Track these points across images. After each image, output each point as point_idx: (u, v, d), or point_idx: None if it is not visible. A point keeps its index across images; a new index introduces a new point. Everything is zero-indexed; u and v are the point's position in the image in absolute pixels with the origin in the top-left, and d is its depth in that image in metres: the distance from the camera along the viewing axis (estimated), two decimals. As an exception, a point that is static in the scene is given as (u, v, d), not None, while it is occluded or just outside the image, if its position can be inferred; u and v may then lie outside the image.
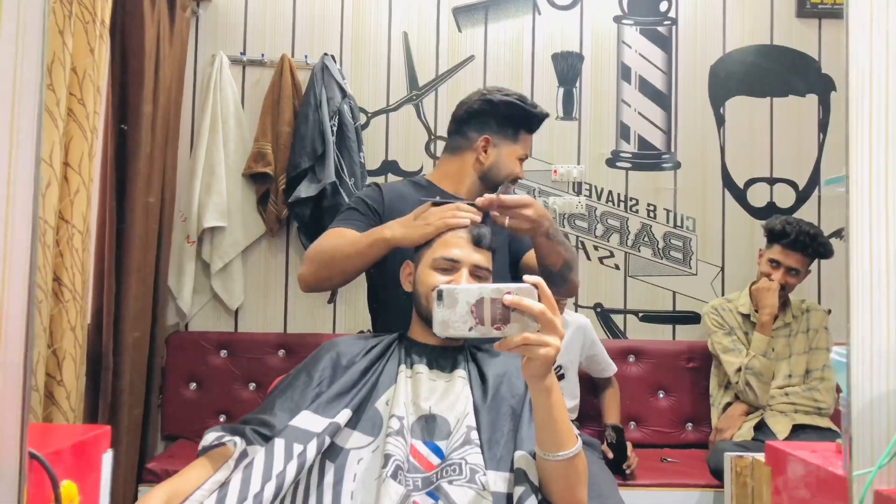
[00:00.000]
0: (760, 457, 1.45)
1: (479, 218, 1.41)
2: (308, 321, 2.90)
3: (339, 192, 2.76)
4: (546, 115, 1.76)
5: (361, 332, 2.80)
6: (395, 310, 1.59)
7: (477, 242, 1.36)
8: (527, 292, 0.96)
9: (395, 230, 1.47)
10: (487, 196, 1.43)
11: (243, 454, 1.17)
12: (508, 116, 1.70)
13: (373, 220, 1.65)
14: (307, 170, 2.77)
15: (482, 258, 1.36)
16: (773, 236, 2.54)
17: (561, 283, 1.64)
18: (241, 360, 2.81)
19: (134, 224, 2.38)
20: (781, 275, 2.50)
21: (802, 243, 2.46)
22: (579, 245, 2.99)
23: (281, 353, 2.84)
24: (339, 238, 1.57)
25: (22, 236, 0.83)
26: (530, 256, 1.68)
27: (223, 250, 2.83)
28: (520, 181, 1.80)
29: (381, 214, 1.67)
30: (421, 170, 2.95)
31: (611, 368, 2.65)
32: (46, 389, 1.81)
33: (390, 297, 1.60)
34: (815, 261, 2.89)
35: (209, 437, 1.21)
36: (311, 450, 1.15)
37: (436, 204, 1.46)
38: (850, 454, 0.95)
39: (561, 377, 2.48)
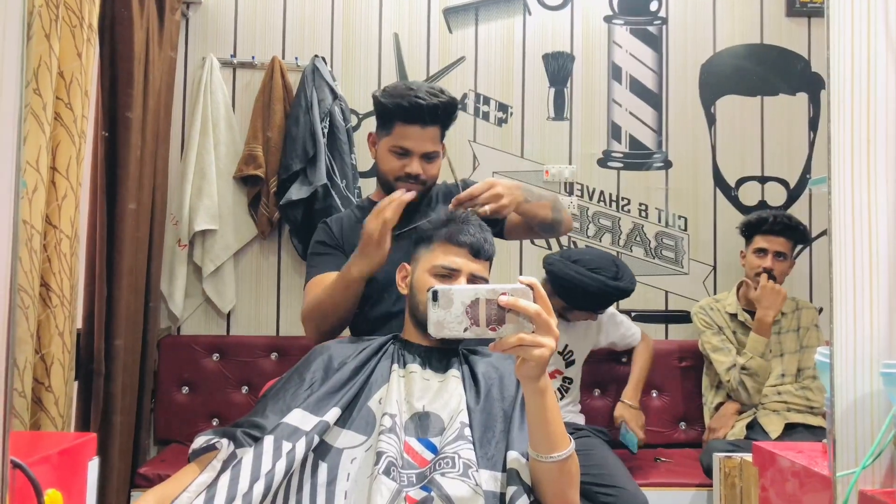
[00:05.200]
0: (749, 457, 1.45)
1: (409, 195, 1.53)
2: (299, 325, 2.82)
3: (330, 195, 2.76)
4: (434, 105, 1.65)
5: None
6: (376, 314, 1.66)
7: (476, 253, 1.38)
8: (522, 293, 0.97)
9: (356, 264, 1.54)
10: (454, 200, 1.56)
11: (232, 456, 1.17)
12: (383, 108, 1.70)
13: (341, 251, 1.74)
14: (298, 172, 2.77)
15: (480, 268, 1.38)
16: (751, 229, 2.59)
17: (556, 226, 1.79)
18: (234, 364, 2.81)
19: (124, 228, 2.38)
20: (770, 260, 2.52)
21: (782, 225, 2.53)
22: (572, 245, 3.00)
23: (273, 356, 2.84)
24: (322, 290, 1.63)
25: (2, 241, 0.82)
26: (512, 217, 1.76)
27: (215, 253, 2.83)
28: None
29: (342, 247, 1.75)
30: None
31: (629, 335, 2.63)
32: (34, 395, 1.80)
33: (372, 301, 1.67)
34: (807, 259, 2.91)
35: (199, 441, 1.21)
36: (301, 447, 1.16)
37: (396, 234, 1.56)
38: (833, 455, 0.95)
39: (570, 363, 2.48)
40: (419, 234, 1.46)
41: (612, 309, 2.55)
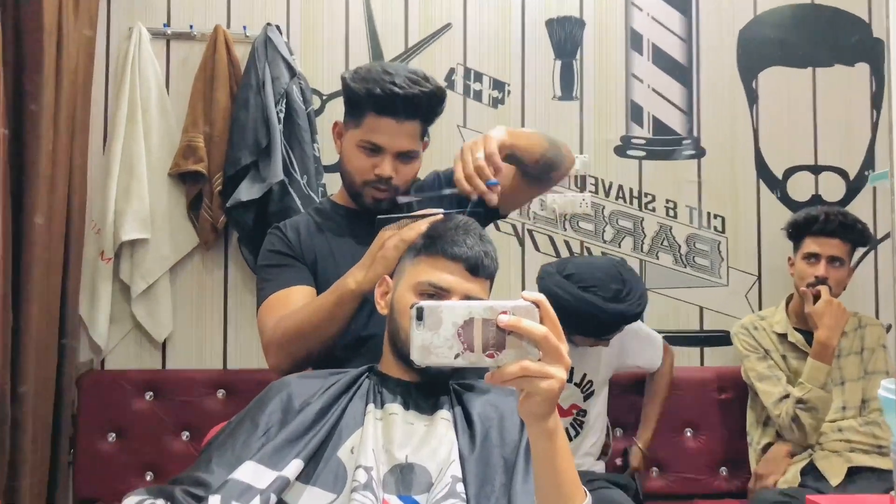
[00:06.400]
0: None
1: (439, 216, 1.47)
2: (253, 354, 2.88)
3: (288, 193, 2.77)
4: (414, 95, 1.66)
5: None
6: (344, 339, 1.65)
7: (473, 270, 1.38)
8: (526, 312, 0.97)
9: (357, 276, 1.55)
10: (460, 186, 1.51)
11: None
12: (353, 94, 1.71)
13: (301, 262, 1.76)
14: (249, 167, 2.78)
15: (477, 288, 1.38)
16: (798, 231, 2.61)
17: (558, 162, 1.78)
18: (172, 404, 2.79)
19: (33, 240, 2.36)
20: (823, 268, 2.53)
21: (836, 224, 2.52)
22: (585, 251, 3.01)
23: (220, 393, 2.83)
24: (302, 307, 1.64)
25: None
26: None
27: (146, 268, 2.83)
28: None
29: (302, 258, 1.78)
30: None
31: (657, 356, 2.64)
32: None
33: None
34: (871, 266, 2.94)
35: (129, 502, 1.21)
36: None
37: (386, 222, 1.53)
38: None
39: (589, 395, 2.49)
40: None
41: (637, 322, 2.51)
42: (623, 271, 2.32)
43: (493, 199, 1.50)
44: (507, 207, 1.87)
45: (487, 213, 1.69)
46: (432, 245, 1.40)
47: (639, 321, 2.50)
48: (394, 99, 1.65)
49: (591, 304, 2.18)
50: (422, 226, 1.45)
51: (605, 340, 2.37)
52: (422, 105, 1.68)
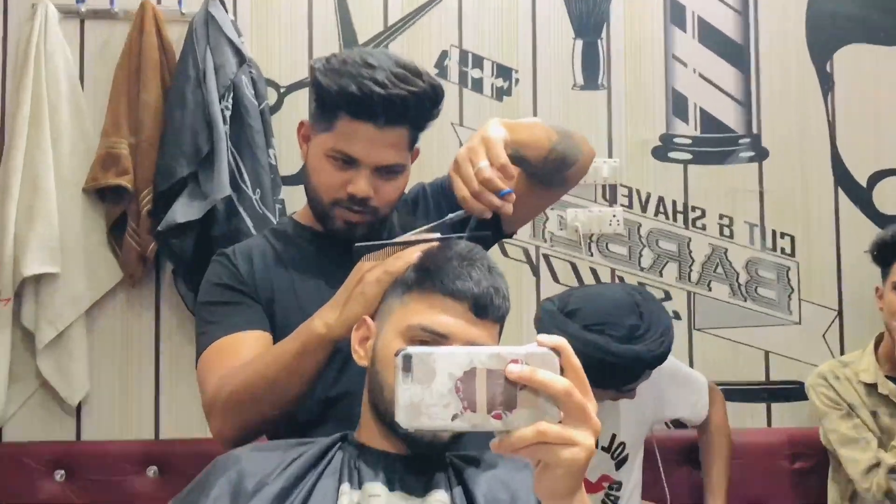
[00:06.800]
0: None
1: (434, 242, 1.46)
2: (193, 420, 2.83)
3: (236, 214, 2.77)
4: (400, 97, 1.63)
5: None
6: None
7: (479, 311, 1.37)
8: (542, 360, 0.96)
9: (328, 318, 1.52)
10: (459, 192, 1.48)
11: None
12: (323, 91, 1.68)
13: (254, 300, 1.74)
14: (186, 180, 2.78)
15: (485, 335, 1.37)
16: (888, 253, 2.60)
17: (570, 155, 1.78)
18: (89, 486, 2.76)
19: None
20: None
21: None
22: (616, 279, 3.01)
23: (151, 471, 2.81)
24: (243, 358, 1.62)
25: None
26: None
27: (56, 311, 2.82)
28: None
29: (255, 294, 1.75)
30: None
31: (702, 402, 2.66)
32: None
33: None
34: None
35: None
36: None
37: (366, 249, 1.52)
38: None
39: (622, 461, 2.49)
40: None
41: (671, 361, 2.46)
42: (641, 301, 2.29)
43: (509, 209, 1.49)
44: (513, 223, 1.86)
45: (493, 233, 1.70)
46: (427, 279, 1.39)
47: (673, 360, 2.50)
48: (374, 100, 1.62)
49: (599, 347, 2.15)
50: (412, 254, 1.45)
51: (628, 392, 2.35)
52: (410, 108, 1.66)
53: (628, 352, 2.17)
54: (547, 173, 1.78)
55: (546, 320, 2.27)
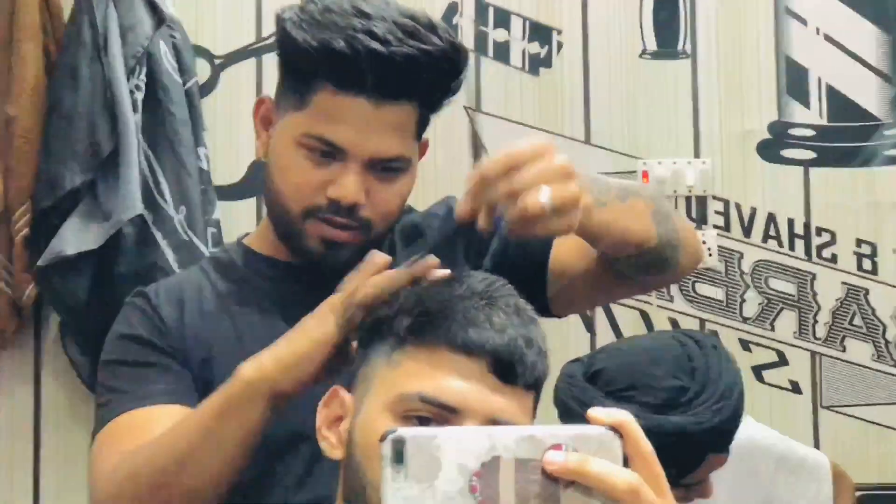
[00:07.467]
0: None
1: (445, 272, 1.34)
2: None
3: (151, 242, 2.58)
4: (410, 57, 1.48)
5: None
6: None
7: (505, 372, 1.17)
8: (598, 445, 0.82)
9: (262, 357, 1.39)
10: (472, 183, 1.29)
11: None
12: (294, 50, 1.53)
13: (180, 361, 1.58)
14: (78, 193, 2.59)
15: (514, 407, 1.18)
16: None
17: (670, 256, 1.65)
18: None
19: None
20: None
21: None
22: (705, 331, 2.69)
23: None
24: (171, 430, 1.48)
25: None
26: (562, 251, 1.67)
27: None
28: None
29: (182, 349, 1.59)
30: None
31: (826, 491, 2.42)
32: None
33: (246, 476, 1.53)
34: None
35: None
36: None
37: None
38: None
39: None
40: (371, 324, 1.30)
41: (779, 440, 2.39)
42: (695, 353, 2.03)
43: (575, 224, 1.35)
44: (567, 305, 1.75)
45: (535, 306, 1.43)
46: (428, 326, 1.20)
47: (781, 438, 2.40)
48: (370, 62, 1.46)
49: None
50: (403, 276, 1.32)
51: (695, 488, 2.05)
52: (422, 75, 1.49)
53: (666, 425, 1.90)
54: (623, 267, 1.65)
55: (562, 389, 2.00)
